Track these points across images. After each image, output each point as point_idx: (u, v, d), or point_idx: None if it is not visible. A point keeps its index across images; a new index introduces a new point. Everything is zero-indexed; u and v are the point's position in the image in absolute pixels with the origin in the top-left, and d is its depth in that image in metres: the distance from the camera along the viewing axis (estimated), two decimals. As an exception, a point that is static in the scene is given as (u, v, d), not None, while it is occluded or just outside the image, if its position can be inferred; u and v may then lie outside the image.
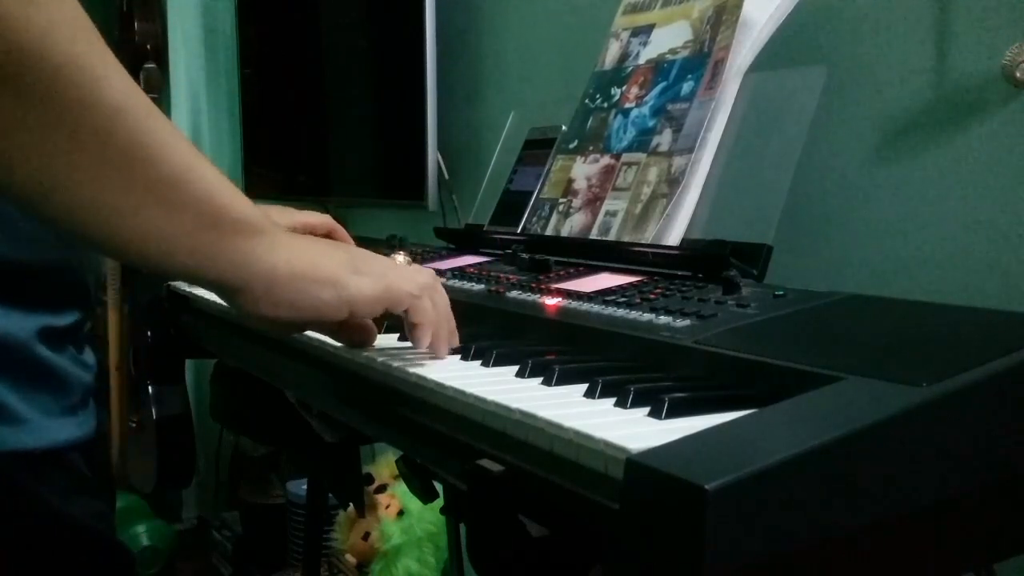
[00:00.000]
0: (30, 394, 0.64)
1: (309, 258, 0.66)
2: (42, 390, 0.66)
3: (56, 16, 0.52)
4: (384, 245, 1.29)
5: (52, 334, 0.66)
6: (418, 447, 0.73)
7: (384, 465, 1.86)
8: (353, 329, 0.73)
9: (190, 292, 1.16)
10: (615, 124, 1.04)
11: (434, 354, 0.71)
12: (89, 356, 0.72)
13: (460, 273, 1.01)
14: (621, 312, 0.76)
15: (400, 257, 0.74)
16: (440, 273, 1.02)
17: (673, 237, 0.91)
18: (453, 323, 0.73)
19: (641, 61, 1.05)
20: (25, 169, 0.54)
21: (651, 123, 0.99)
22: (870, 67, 1.01)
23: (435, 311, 0.71)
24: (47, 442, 0.65)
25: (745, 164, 0.89)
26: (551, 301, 0.83)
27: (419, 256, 1.17)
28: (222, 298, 0.66)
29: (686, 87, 0.97)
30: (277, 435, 1.33)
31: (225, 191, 0.62)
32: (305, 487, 1.78)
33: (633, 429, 0.50)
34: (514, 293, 0.88)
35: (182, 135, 0.61)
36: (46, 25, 0.52)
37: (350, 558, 1.92)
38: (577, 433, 0.50)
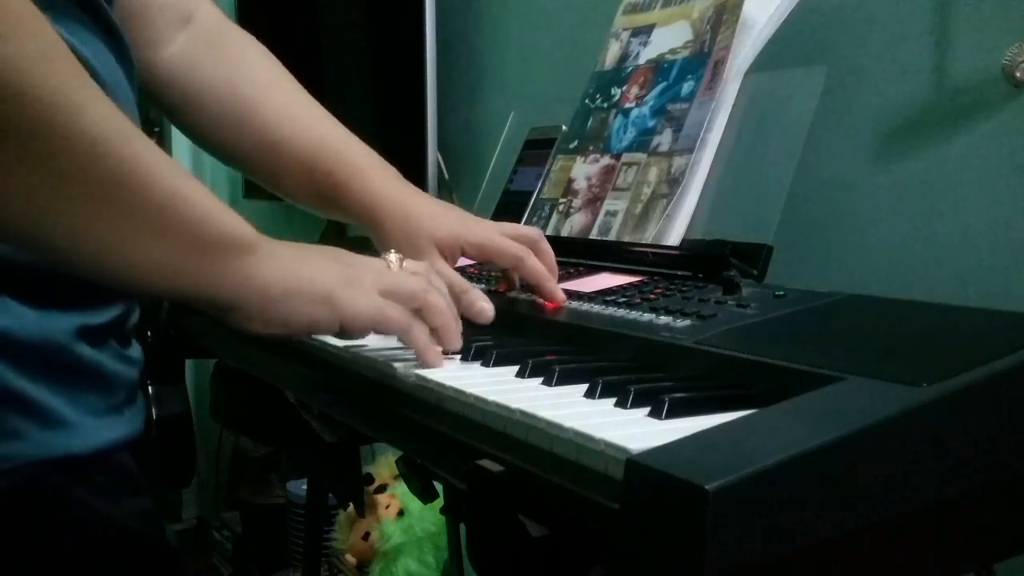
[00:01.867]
0: (74, 395, 0.63)
1: (303, 274, 0.66)
2: (86, 390, 0.64)
3: (30, 50, 0.52)
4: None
5: (92, 331, 0.65)
6: (418, 447, 0.73)
7: (384, 465, 1.86)
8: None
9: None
10: (615, 124, 1.04)
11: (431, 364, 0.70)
12: (135, 350, 0.71)
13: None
14: (621, 312, 0.76)
15: (392, 257, 0.74)
16: (440, 273, 1.02)
17: (673, 237, 0.91)
18: (457, 321, 0.73)
19: (641, 61, 1.05)
20: (6, 204, 0.53)
21: (651, 123, 0.99)
22: (870, 67, 1.01)
23: (433, 318, 0.70)
24: (94, 444, 0.64)
25: (745, 164, 0.89)
26: (551, 301, 0.83)
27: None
28: (215, 315, 0.65)
29: (686, 87, 0.97)
30: (277, 435, 1.33)
31: (213, 211, 0.62)
32: (305, 487, 1.78)
33: (633, 429, 0.50)
34: (514, 293, 0.89)
35: (167, 158, 0.60)
36: (19, 61, 0.51)
37: (350, 558, 1.92)
38: (577, 433, 0.50)
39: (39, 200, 0.54)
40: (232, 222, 0.63)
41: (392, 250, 0.75)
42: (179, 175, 0.60)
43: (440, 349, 0.71)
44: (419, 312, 0.71)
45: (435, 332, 0.71)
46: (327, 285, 0.66)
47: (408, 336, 0.70)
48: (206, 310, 0.65)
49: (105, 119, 0.55)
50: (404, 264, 0.74)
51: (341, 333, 0.70)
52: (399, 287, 0.70)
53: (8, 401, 0.59)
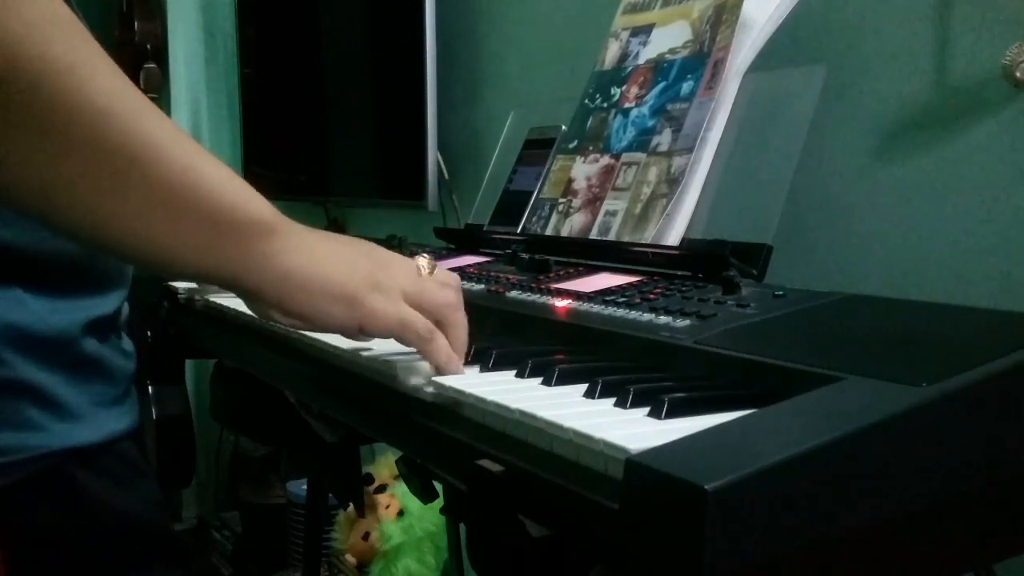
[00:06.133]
0: (84, 388, 0.65)
1: (327, 268, 0.63)
2: (93, 382, 0.66)
3: (35, 18, 0.51)
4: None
5: (98, 325, 0.67)
6: (418, 447, 0.73)
7: (384, 465, 1.86)
8: None
9: (190, 293, 1.16)
10: (615, 124, 1.04)
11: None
12: (128, 344, 0.72)
13: (460, 273, 1.01)
14: (621, 312, 0.76)
15: (423, 261, 0.70)
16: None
17: (673, 237, 0.91)
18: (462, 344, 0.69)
19: (641, 61, 1.05)
20: (18, 175, 0.53)
21: (651, 123, 0.99)
22: (870, 67, 1.01)
23: (455, 337, 0.67)
24: (102, 434, 0.66)
25: (745, 164, 0.89)
26: (551, 301, 0.83)
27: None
28: (242, 298, 0.63)
29: (686, 87, 0.97)
30: (277, 435, 1.33)
31: (232, 190, 0.59)
32: (305, 487, 1.78)
33: (633, 429, 0.50)
34: (514, 293, 0.88)
35: (182, 133, 0.58)
36: (23, 30, 0.50)
37: (350, 558, 1.92)
38: (577, 433, 0.50)
39: (49, 170, 0.53)
40: (253, 203, 0.60)
41: (424, 253, 0.72)
42: (196, 152, 0.58)
43: (459, 360, 0.67)
44: (440, 324, 0.67)
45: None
46: (352, 286, 0.63)
47: (428, 348, 0.65)
48: (234, 293, 0.63)
49: (115, 91, 0.54)
50: (435, 272, 0.70)
51: (359, 334, 0.67)
52: (429, 298, 0.66)
53: (26, 393, 0.62)
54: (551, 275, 0.93)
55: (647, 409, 0.54)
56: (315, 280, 0.62)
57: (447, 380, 0.64)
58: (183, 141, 0.58)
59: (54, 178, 0.53)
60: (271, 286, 0.61)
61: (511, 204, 1.16)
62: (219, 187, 0.59)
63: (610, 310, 0.77)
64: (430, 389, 0.66)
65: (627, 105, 1.04)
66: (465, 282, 0.96)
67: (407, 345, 0.67)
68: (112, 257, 0.62)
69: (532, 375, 0.65)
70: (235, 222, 0.59)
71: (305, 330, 0.65)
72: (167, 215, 0.56)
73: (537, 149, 1.18)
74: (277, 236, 0.61)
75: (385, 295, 0.64)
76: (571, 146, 1.09)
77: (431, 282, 0.68)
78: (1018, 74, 0.86)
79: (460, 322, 0.68)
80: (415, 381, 0.66)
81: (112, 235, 0.56)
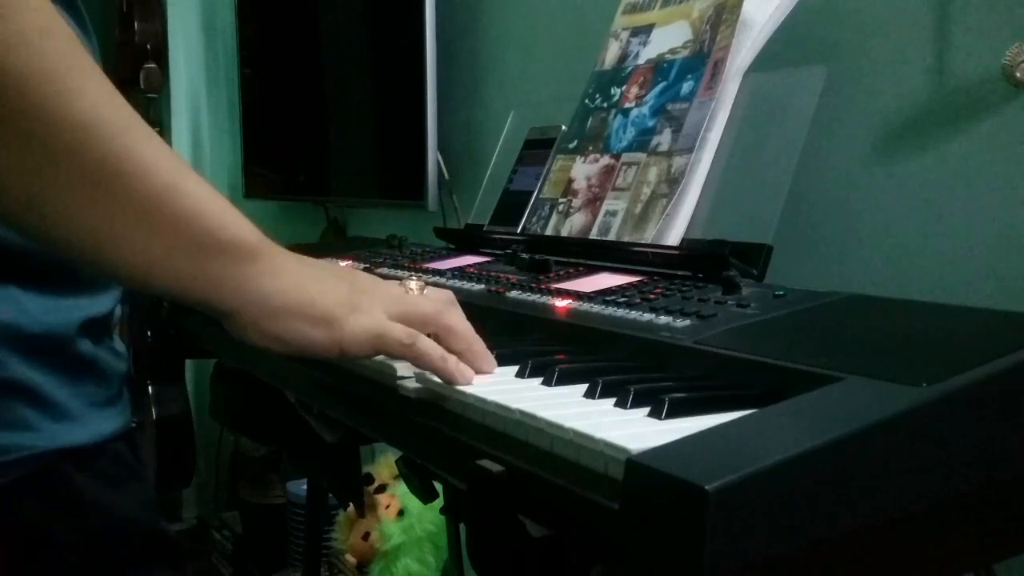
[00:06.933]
0: (78, 388, 0.65)
1: (306, 292, 0.62)
2: (87, 383, 0.66)
3: (24, 28, 0.51)
4: (384, 245, 1.29)
5: (93, 325, 0.66)
6: (418, 447, 0.73)
7: (384, 465, 1.86)
8: None
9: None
10: (615, 124, 1.04)
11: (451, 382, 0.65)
12: (120, 345, 0.72)
13: (460, 273, 1.01)
14: (621, 312, 0.76)
15: (413, 283, 0.70)
16: (440, 273, 1.02)
17: (673, 237, 0.91)
18: (482, 342, 0.68)
19: (641, 61, 1.05)
20: (1, 183, 0.53)
21: (651, 123, 0.99)
22: (870, 67, 1.01)
23: (454, 342, 0.66)
24: (95, 435, 0.66)
25: (745, 164, 0.89)
26: (551, 301, 0.83)
27: (419, 256, 1.17)
28: (216, 319, 0.63)
29: (686, 87, 0.97)
30: (277, 435, 1.33)
31: (214, 211, 0.59)
32: (305, 487, 1.78)
33: (633, 429, 0.50)
34: (514, 293, 0.88)
35: (168, 151, 0.58)
36: (11, 39, 0.50)
37: (350, 558, 1.92)
38: (577, 433, 0.50)
39: (31, 180, 0.53)
40: (235, 224, 0.60)
41: (413, 276, 0.71)
42: (181, 171, 0.58)
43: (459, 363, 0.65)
44: (436, 338, 0.66)
45: (461, 357, 0.66)
46: (330, 308, 0.63)
47: (414, 352, 0.64)
48: (207, 314, 0.63)
49: (101, 105, 0.54)
50: (425, 292, 0.69)
51: (342, 357, 0.66)
52: (412, 310, 0.66)
53: (20, 393, 0.62)
54: (551, 275, 0.93)
55: (647, 409, 0.54)
56: (294, 303, 0.62)
57: (431, 374, 0.65)
58: (168, 159, 0.57)
59: (36, 188, 0.53)
60: (250, 308, 0.61)
61: (511, 204, 1.16)
62: (201, 207, 0.58)
63: (610, 310, 0.77)
64: (413, 384, 0.66)
65: (627, 105, 1.04)
66: (465, 282, 0.96)
67: (393, 357, 0.66)
68: (88, 269, 0.61)
69: (532, 375, 0.65)
70: (216, 242, 0.59)
71: (283, 353, 0.64)
72: (148, 232, 0.56)
73: (537, 149, 1.18)
74: (257, 258, 0.61)
75: (364, 315, 0.64)
76: (571, 146, 1.09)
77: (417, 297, 0.67)
78: (1018, 74, 0.86)
79: (454, 325, 0.67)
80: (401, 374, 0.67)
81: (90, 248, 0.56)
